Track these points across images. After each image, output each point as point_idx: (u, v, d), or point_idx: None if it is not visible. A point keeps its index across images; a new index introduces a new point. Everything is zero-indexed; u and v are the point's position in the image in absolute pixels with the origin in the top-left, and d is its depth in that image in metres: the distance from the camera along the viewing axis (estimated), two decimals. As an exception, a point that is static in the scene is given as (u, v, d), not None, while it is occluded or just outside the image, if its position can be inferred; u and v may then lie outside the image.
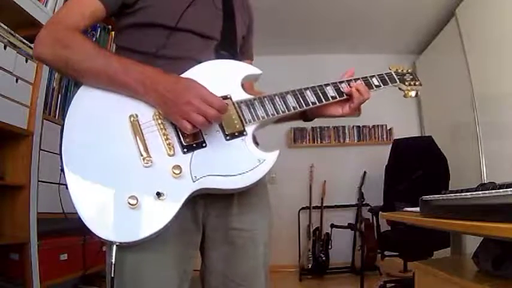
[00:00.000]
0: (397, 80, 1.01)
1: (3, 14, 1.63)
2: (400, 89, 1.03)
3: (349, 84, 0.93)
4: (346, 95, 0.93)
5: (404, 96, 1.04)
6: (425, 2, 3.24)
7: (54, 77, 2.00)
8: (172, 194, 0.71)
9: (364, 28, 3.72)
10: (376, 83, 0.97)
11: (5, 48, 1.59)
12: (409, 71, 1.06)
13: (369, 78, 0.97)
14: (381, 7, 3.33)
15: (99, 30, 2.33)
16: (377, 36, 3.90)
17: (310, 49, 4.12)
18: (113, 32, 2.41)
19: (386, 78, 1.00)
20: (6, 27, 1.62)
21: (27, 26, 1.76)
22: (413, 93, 1.03)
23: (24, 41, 1.72)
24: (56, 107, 2.02)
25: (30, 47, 1.75)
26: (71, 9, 0.82)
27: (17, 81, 1.66)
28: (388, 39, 3.95)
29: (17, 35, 1.68)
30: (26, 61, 1.71)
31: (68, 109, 0.75)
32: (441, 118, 3.70)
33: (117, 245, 0.69)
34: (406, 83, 1.03)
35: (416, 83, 1.04)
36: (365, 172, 3.99)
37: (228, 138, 0.79)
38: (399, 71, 1.04)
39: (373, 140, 4.15)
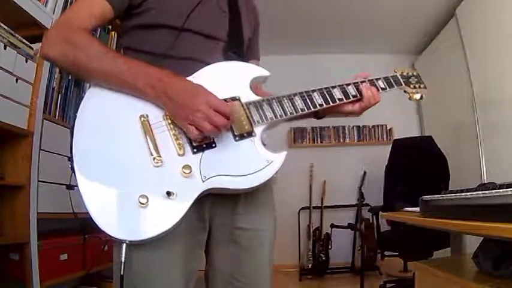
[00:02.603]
0: (403, 83, 1.02)
1: (3, 14, 1.62)
2: (405, 91, 1.04)
3: (358, 87, 0.93)
4: (359, 94, 0.93)
5: (409, 98, 1.04)
6: (425, 2, 3.24)
7: (54, 77, 1.99)
8: (182, 194, 0.71)
9: (364, 28, 3.72)
10: (382, 85, 0.98)
11: (5, 48, 1.59)
12: (414, 73, 1.06)
13: (375, 81, 0.97)
14: (381, 7, 3.33)
15: (99, 30, 2.32)
16: (377, 37, 3.91)
17: (310, 49, 4.13)
18: (113, 32, 2.41)
19: (392, 80, 1.00)
20: (6, 27, 1.62)
21: (27, 26, 1.76)
22: (418, 96, 1.03)
23: (24, 41, 1.71)
24: (56, 107, 2.02)
25: (30, 47, 1.74)
26: (79, 10, 0.82)
27: (16, 81, 1.66)
28: (388, 39, 3.96)
29: (17, 35, 1.67)
30: (26, 61, 1.71)
31: (77, 110, 0.74)
32: (441, 118, 3.70)
33: (126, 244, 0.69)
34: (411, 86, 1.03)
35: (422, 86, 1.04)
36: (365, 172, 4.00)
37: (237, 138, 0.79)
38: (404, 73, 1.04)
39: (373, 140, 4.16)
